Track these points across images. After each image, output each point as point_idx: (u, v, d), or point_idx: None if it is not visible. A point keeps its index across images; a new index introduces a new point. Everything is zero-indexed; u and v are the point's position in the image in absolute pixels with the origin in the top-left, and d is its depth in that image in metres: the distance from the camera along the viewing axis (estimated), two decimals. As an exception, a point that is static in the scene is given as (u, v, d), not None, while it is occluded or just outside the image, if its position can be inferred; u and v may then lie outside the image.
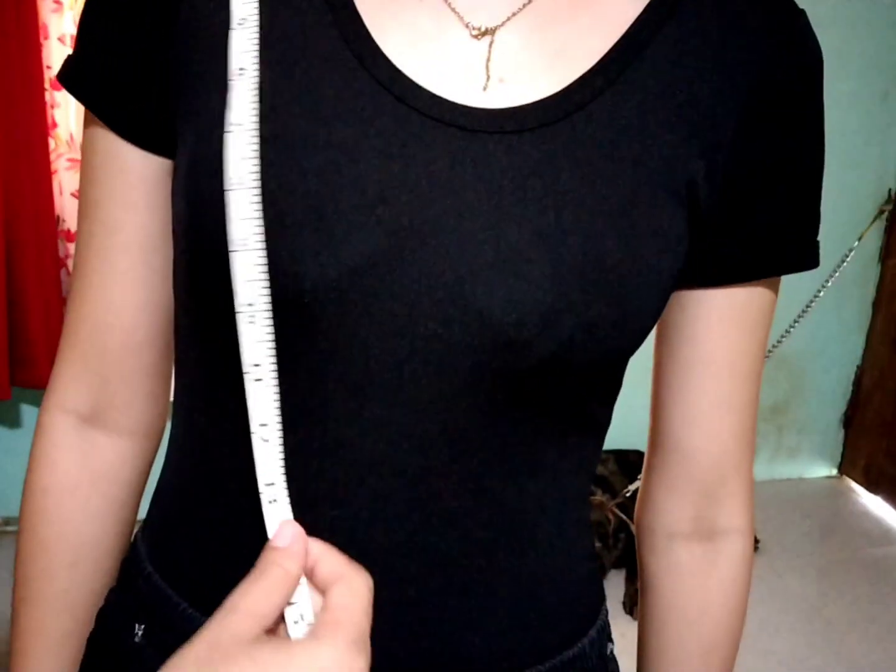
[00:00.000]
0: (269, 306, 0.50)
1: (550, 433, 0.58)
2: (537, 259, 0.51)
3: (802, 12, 0.58)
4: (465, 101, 0.53)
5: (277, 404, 0.50)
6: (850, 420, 3.54)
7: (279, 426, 0.50)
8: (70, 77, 0.59)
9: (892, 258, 3.34)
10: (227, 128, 0.51)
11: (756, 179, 0.58)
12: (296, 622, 0.46)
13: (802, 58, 0.57)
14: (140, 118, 0.57)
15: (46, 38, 2.32)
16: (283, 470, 0.50)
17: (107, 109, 0.57)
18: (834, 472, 3.62)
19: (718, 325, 0.62)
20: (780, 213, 0.59)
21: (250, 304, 0.50)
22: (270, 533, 0.49)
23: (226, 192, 0.50)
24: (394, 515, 0.55)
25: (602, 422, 0.63)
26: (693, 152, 0.55)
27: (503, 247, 0.51)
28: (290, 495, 0.50)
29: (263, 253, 0.50)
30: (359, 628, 0.45)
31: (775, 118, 0.57)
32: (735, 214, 0.58)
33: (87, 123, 0.60)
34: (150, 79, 0.56)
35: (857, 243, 3.20)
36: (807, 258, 0.61)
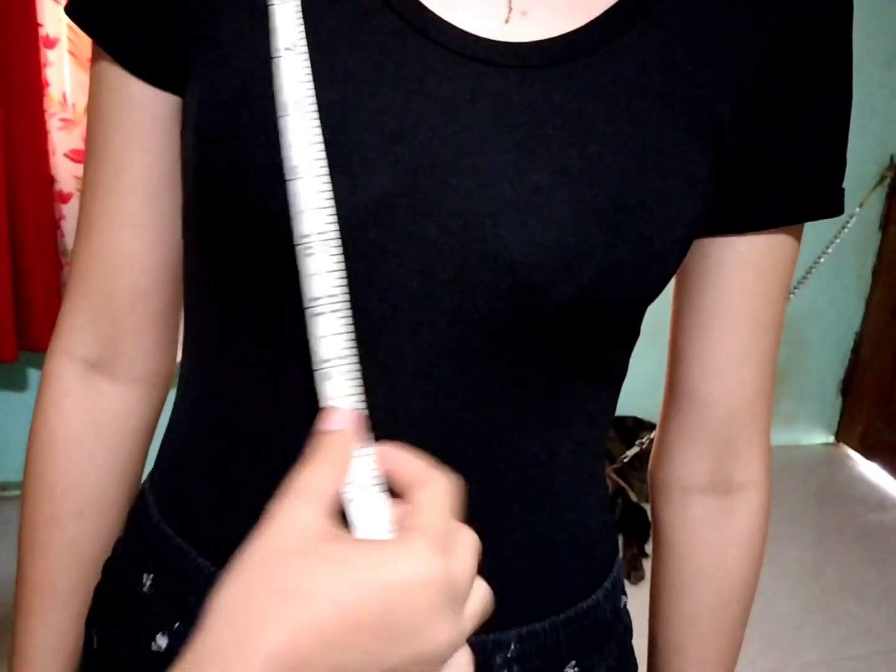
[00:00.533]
0: (337, 234, 0.46)
1: (567, 380, 0.57)
2: (559, 198, 0.50)
3: None
4: (486, 34, 0.51)
5: (352, 336, 0.46)
6: (848, 387, 3.54)
7: (355, 358, 0.46)
8: (77, 9, 0.57)
9: (892, 225, 3.33)
10: (277, 53, 0.47)
11: (781, 122, 0.56)
12: (363, 521, 0.44)
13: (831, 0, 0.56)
14: (150, 51, 0.55)
15: (40, -6, 2.28)
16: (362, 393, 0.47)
17: (115, 42, 0.55)
18: (831, 439, 3.63)
19: (740, 273, 0.61)
20: (805, 158, 0.58)
21: (307, 235, 0.45)
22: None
23: (280, 119, 0.46)
24: None
25: (619, 370, 0.62)
26: (719, 92, 0.53)
27: (524, 185, 0.49)
28: (293, 454, 0.47)
29: (328, 178, 0.46)
30: (441, 533, 0.42)
31: (803, 60, 0.55)
32: (758, 158, 0.56)
33: (94, 59, 0.58)
34: (160, 10, 0.54)
35: (858, 210, 3.18)
36: (831, 205, 0.60)
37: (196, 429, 0.61)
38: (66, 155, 2.40)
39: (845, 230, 3.11)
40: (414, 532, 0.41)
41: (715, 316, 0.62)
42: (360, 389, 0.46)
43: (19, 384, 2.66)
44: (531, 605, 0.60)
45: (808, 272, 3.02)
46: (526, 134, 0.50)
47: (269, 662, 0.37)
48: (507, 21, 0.52)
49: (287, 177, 0.46)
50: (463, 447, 0.55)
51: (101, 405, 0.63)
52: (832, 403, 3.58)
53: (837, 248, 3.08)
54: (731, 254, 0.60)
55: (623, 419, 2.96)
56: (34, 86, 2.29)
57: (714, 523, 0.68)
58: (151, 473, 0.66)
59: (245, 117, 0.49)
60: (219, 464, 0.59)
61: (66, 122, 2.38)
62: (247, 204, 0.50)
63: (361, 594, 0.39)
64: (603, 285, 0.51)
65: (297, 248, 0.45)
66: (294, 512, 0.41)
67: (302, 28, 0.48)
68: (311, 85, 0.47)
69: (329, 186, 0.46)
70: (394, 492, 0.45)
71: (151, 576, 0.61)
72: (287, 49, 0.48)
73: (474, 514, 0.56)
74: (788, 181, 0.58)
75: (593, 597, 0.63)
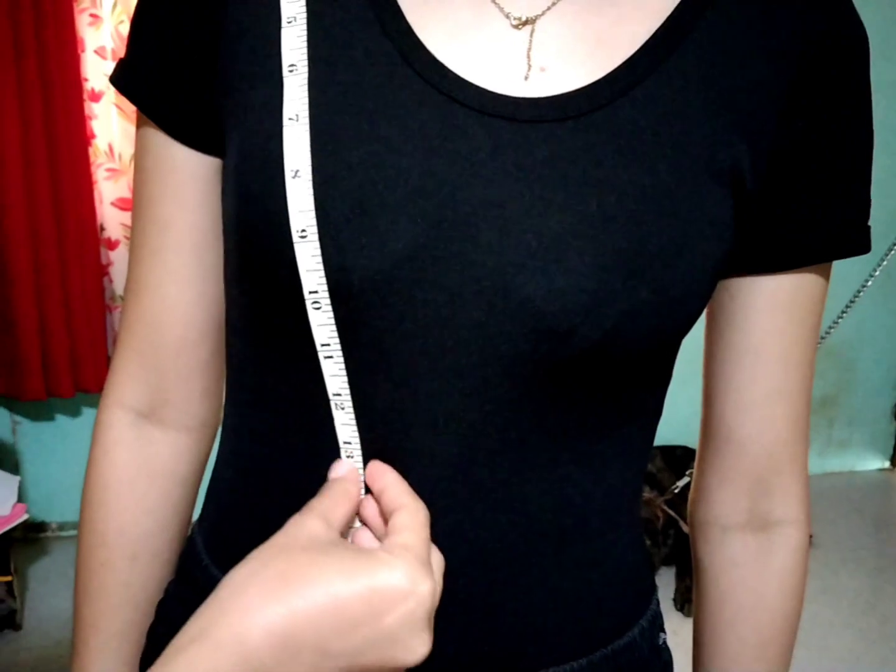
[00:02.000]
0: (328, 293, 0.52)
1: (597, 422, 0.58)
2: (579, 247, 0.51)
3: None
4: (506, 92, 0.53)
5: (346, 377, 0.54)
6: (902, 411, 3.48)
7: (349, 395, 0.54)
8: (122, 79, 0.60)
9: (941, 246, 3.27)
10: (284, 123, 0.52)
11: (802, 165, 0.57)
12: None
13: (846, 39, 0.57)
14: (190, 118, 0.58)
15: (83, 50, 2.37)
16: (356, 431, 0.54)
17: (158, 110, 0.59)
18: (886, 464, 3.56)
19: (768, 312, 0.61)
20: (828, 198, 0.59)
21: (313, 292, 0.52)
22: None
23: (286, 185, 0.51)
24: (440, 506, 0.55)
25: (651, 410, 0.62)
26: (736, 138, 0.55)
27: (545, 235, 0.51)
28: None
29: (319, 244, 0.51)
30: (425, 553, 0.48)
31: (820, 102, 0.56)
32: (782, 200, 0.57)
33: (139, 125, 0.61)
34: (199, 79, 0.57)
35: (903, 232, 3.13)
36: (857, 243, 0.60)
37: (239, 474, 0.63)
38: (112, 203, 2.48)
39: (892, 252, 3.06)
40: (406, 549, 0.47)
41: (745, 354, 0.63)
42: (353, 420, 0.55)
43: (75, 423, 2.73)
44: (566, 644, 0.61)
45: (855, 295, 2.98)
46: (546, 185, 0.52)
47: (265, 631, 0.43)
48: (526, 78, 0.54)
49: (292, 238, 0.52)
50: (496, 490, 0.56)
51: (151, 452, 0.66)
52: (886, 428, 3.52)
53: (885, 270, 3.04)
54: (759, 293, 0.61)
55: (673, 449, 2.94)
56: (79, 138, 2.38)
57: (753, 561, 0.68)
58: (200, 518, 0.68)
59: (273, 179, 0.52)
60: (262, 507, 0.61)
61: (113, 172, 2.46)
62: (279, 259, 0.53)
63: (357, 592, 0.45)
64: (625, 330, 0.52)
65: (305, 301, 0.52)
66: (303, 521, 0.49)
67: (306, 99, 0.52)
68: (309, 154, 0.51)
69: (318, 251, 0.51)
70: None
71: None
72: (290, 119, 0.52)
73: (507, 555, 0.57)
74: (813, 221, 0.59)
75: (629, 634, 0.63)
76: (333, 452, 0.55)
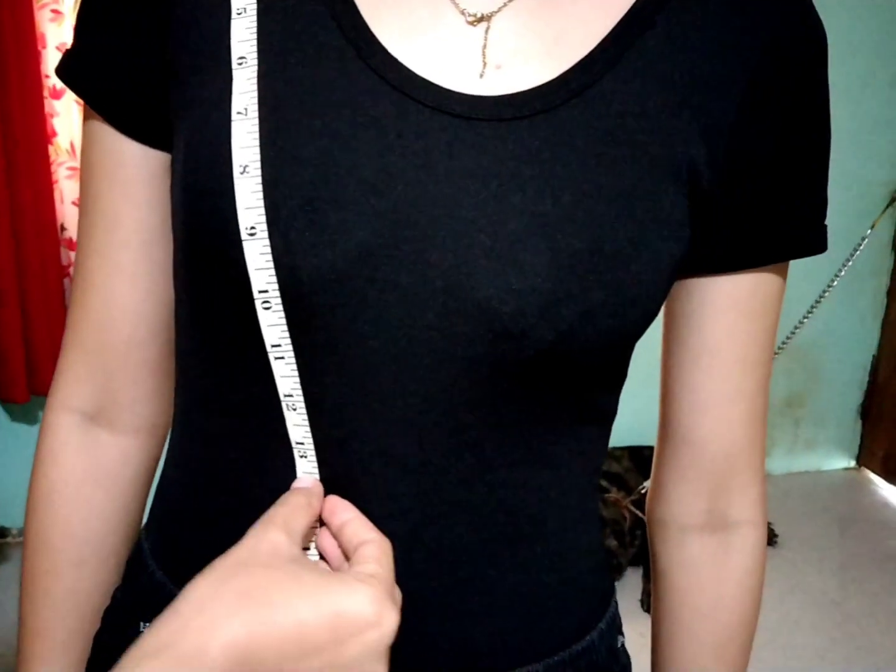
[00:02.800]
0: (278, 292, 0.51)
1: (553, 423, 0.57)
2: (535, 247, 0.50)
3: None
4: (461, 89, 0.52)
5: (297, 378, 0.53)
6: (867, 410, 3.51)
7: (301, 396, 0.53)
8: (68, 71, 0.59)
9: (905, 247, 3.31)
10: (233, 117, 0.51)
11: (759, 163, 0.57)
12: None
13: (806, 39, 0.56)
14: (138, 111, 0.57)
15: (44, 46, 2.33)
16: (309, 431, 0.54)
17: (105, 103, 0.57)
18: (852, 463, 3.59)
19: (725, 312, 0.61)
20: (785, 197, 0.58)
21: (263, 291, 0.51)
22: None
23: (234, 181, 0.50)
24: (396, 509, 0.55)
25: (607, 410, 0.62)
26: (694, 136, 0.54)
27: (500, 235, 0.50)
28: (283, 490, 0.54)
29: (268, 241, 0.50)
30: (392, 586, 0.47)
31: (778, 101, 0.56)
32: (738, 199, 0.57)
33: (85, 118, 0.60)
34: (147, 72, 0.56)
35: (869, 231, 3.17)
36: (814, 243, 0.60)
37: (187, 477, 0.62)
38: (74, 203, 2.44)
39: (858, 252, 3.09)
40: (375, 578, 0.46)
41: (702, 355, 0.63)
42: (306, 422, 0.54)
43: (32, 427, 2.69)
44: (523, 648, 0.60)
45: (821, 296, 3.00)
46: (501, 184, 0.51)
47: (225, 649, 0.42)
48: (481, 76, 0.53)
49: (241, 236, 0.50)
50: (451, 491, 0.55)
51: (98, 455, 0.64)
52: (852, 427, 3.55)
53: (850, 270, 3.07)
54: (716, 293, 0.61)
55: (640, 449, 2.95)
56: (38, 136, 2.33)
57: (711, 562, 0.68)
58: (147, 522, 0.66)
59: (222, 175, 0.51)
60: (211, 512, 0.60)
61: (75, 171, 2.42)
62: (226, 257, 0.52)
63: (322, 616, 0.43)
64: (580, 330, 0.51)
65: (255, 301, 0.51)
66: (263, 534, 0.47)
67: (255, 93, 0.51)
68: (258, 149, 0.50)
69: (268, 249, 0.50)
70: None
71: (148, 624, 0.62)
72: (238, 113, 0.51)
73: (464, 556, 0.57)
74: (770, 221, 0.58)
75: (588, 638, 0.63)
76: (285, 454, 0.55)
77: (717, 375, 0.63)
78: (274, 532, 0.47)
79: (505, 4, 0.54)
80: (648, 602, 2.50)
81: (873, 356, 3.47)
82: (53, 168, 2.40)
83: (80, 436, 0.64)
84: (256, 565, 0.45)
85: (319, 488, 0.53)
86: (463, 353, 0.52)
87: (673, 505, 0.68)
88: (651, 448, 2.45)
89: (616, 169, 0.52)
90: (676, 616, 0.69)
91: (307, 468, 0.54)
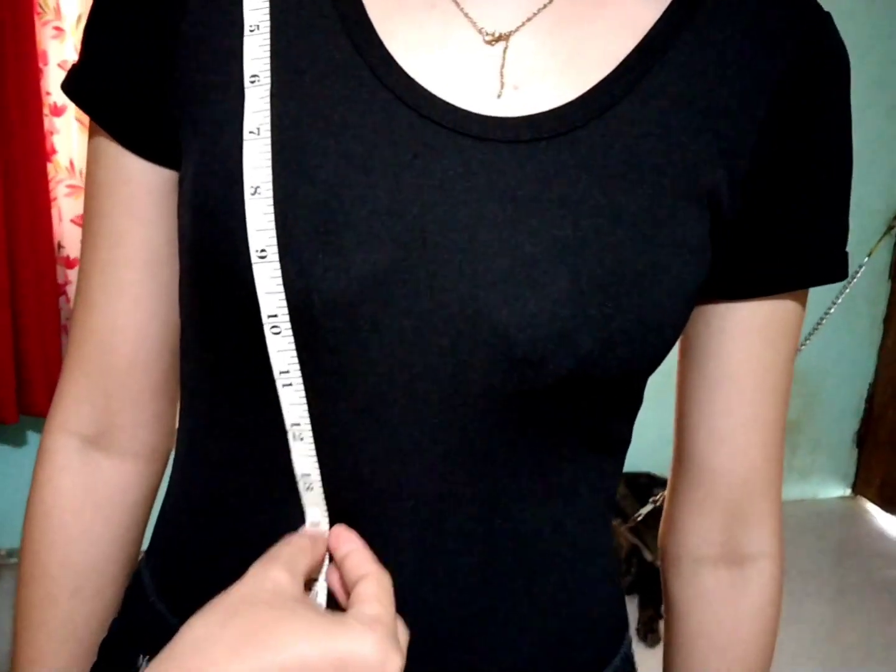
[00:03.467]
0: (288, 317, 0.49)
1: (568, 453, 0.55)
2: (554, 272, 0.49)
3: (828, 15, 0.56)
4: (478, 110, 0.51)
5: (306, 406, 0.50)
6: (864, 438, 3.50)
7: (309, 425, 0.51)
8: (74, 86, 0.57)
9: (902, 274, 3.32)
10: (245, 136, 0.50)
11: (780, 188, 0.55)
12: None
13: (828, 62, 0.55)
14: (145, 128, 0.56)
15: (46, 63, 2.32)
16: (316, 462, 0.51)
17: (111, 119, 0.56)
18: (848, 491, 3.57)
19: (744, 338, 0.60)
20: (806, 223, 0.57)
21: (272, 315, 0.49)
22: (308, 515, 0.52)
23: (245, 202, 0.49)
24: (406, 540, 0.53)
25: (622, 439, 0.60)
26: (715, 160, 0.53)
27: (518, 259, 0.49)
28: (292, 521, 0.52)
29: (279, 264, 0.49)
30: (395, 627, 0.46)
31: (800, 125, 0.55)
32: (759, 224, 0.56)
33: (91, 134, 0.59)
34: (155, 87, 0.54)
35: (866, 259, 3.16)
36: (834, 270, 0.59)
37: (191, 506, 0.60)
38: (73, 221, 2.43)
39: (855, 280, 3.07)
40: (378, 622, 0.44)
41: (720, 382, 0.61)
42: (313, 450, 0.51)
43: (20, 448, 2.66)
44: None
45: (818, 323, 2.99)
46: (519, 208, 0.49)
47: None
48: (499, 96, 0.52)
49: (251, 259, 0.49)
50: (463, 522, 0.54)
51: (98, 480, 0.62)
52: (848, 455, 3.54)
53: (848, 298, 3.05)
54: (734, 320, 0.59)
55: (637, 476, 2.93)
56: (38, 153, 2.32)
57: (726, 596, 0.66)
58: (148, 551, 0.64)
59: (232, 195, 0.50)
60: (213, 543, 0.58)
61: (74, 189, 2.41)
62: (235, 280, 0.50)
63: (326, 659, 0.42)
64: (600, 358, 0.50)
65: (263, 325, 0.49)
66: (267, 573, 0.46)
67: (268, 112, 0.50)
68: (270, 170, 0.49)
69: (279, 272, 0.49)
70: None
71: (147, 657, 0.60)
72: (251, 133, 0.50)
73: (475, 589, 0.55)
74: (790, 247, 0.57)
75: None
76: (290, 485, 0.52)
77: (736, 403, 0.61)
78: (276, 571, 0.46)
79: (523, 24, 0.53)
80: (644, 631, 2.48)
81: (870, 384, 3.46)
82: (52, 185, 2.39)
83: (78, 460, 0.62)
84: (259, 604, 0.43)
85: (324, 534, 0.52)
86: (479, 381, 0.50)
87: (687, 537, 0.67)
88: (646, 475, 2.43)
89: (636, 192, 0.51)
90: (690, 651, 0.67)
91: (313, 500, 0.52)
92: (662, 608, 2.25)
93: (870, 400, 3.47)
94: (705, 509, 0.65)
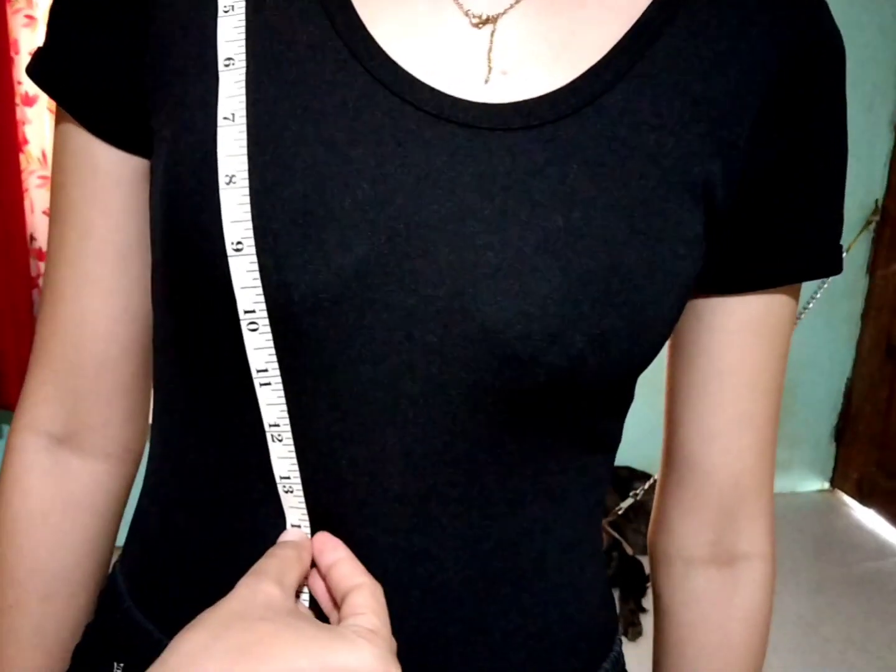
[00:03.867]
0: (266, 313, 0.47)
1: (559, 453, 0.54)
2: (545, 266, 0.47)
3: (823, 3, 0.55)
4: (465, 95, 0.49)
5: (285, 406, 0.49)
6: (842, 433, 3.51)
7: (288, 426, 0.49)
8: (39, 70, 0.54)
9: (880, 269, 3.33)
10: (219, 122, 0.47)
11: (776, 181, 0.54)
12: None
13: (824, 50, 0.54)
14: (114, 114, 0.53)
15: (17, 53, 2.28)
16: (296, 464, 0.50)
17: (78, 105, 0.53)
18: (826, 485, 3.59)
19: (736, 334, 0.58)
20: (802, 217, 0.56)
21: (249, 311, 0.47)
22: (289, 520, 0.50)
23: (220, 192, 0.46)
24: (390, 544, 0.51)
25: (613, 438, 0.59)
26: (709, 150, 0.51)
27: (507, 252, 0.47)
28: (273, 525, 0.51)
29: (256, 257, 0.46)
30: (390, 639, 0.45)
31: (796, 114, 0.53)
32: (753, 217, 0.54)
33: (58, 121, 0.56)
34: (124, 72, 0.52)
35: (844, 255, 3.17)
36: (829, 264, 0.57)
37: (165, 508, 0.57)
38: (45, 212, 2.39)
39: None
40: (376, 634, 0.43)
41: (712, 379, 0.59)
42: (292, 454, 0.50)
43: None
44: None
45: (797, 318, 3.00)
46: (508, 198, 0.47)
47: None
48: (486, 81, 0.50)
49: (226, 250, 0.47)
50: (450, 525, 0.52)
51: (67, 481, 0.60)
52: (826, 449, 3.55)
53: (826, 293, 3.07)
54: (727, 314, 0.58)
55: (617, 469, 2.92)
56: (9, 143, 2.28)
57: (717, 597, 0.64)
58: (122, 554, 0.62)
59: (207, 184, 0.47)
60: (189, 549, 0.55)
61: (46, 180, 2.37)
62: (210, 274, 0.48)
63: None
64: (593, 355, 0.48)
65: (240, 321, 0.47)
66: (257, 586, 0.44)
67: (243, 97, 0.48)
68: (245, 158, 0.47)
69: (256, 266, 0.46)
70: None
71: (122, 665, 0.57)
72: (225, 119, 0.48)
73: (463, 594, 0.53)
74: (784, 240, 0.55)
75: None
76: (268, 488, 0.50)
77: (727, 401, 0.60)
78: (268, 584, 0.44)
79: (511, 6, 0.50)
80: (625, 625, 2.47)
81: (848, 378, 3.48)
82: (24, 177, 2.34)
83: (47, 460, 0.59)
84: (252, 619, 0.42)
85: (308, 541, 0.50)
86: (466, 380, 0.48)
87: (677, 537, 0.65)
88: (627, 468, 2.43)
89: (629, 183, 0.49)
90: (680, 653, 0.66)
91: (293, 503, 0.50)
92: (643, 601, 2.25)
93: (847, 395, 3.49)
94: (696, 509, 0.63)
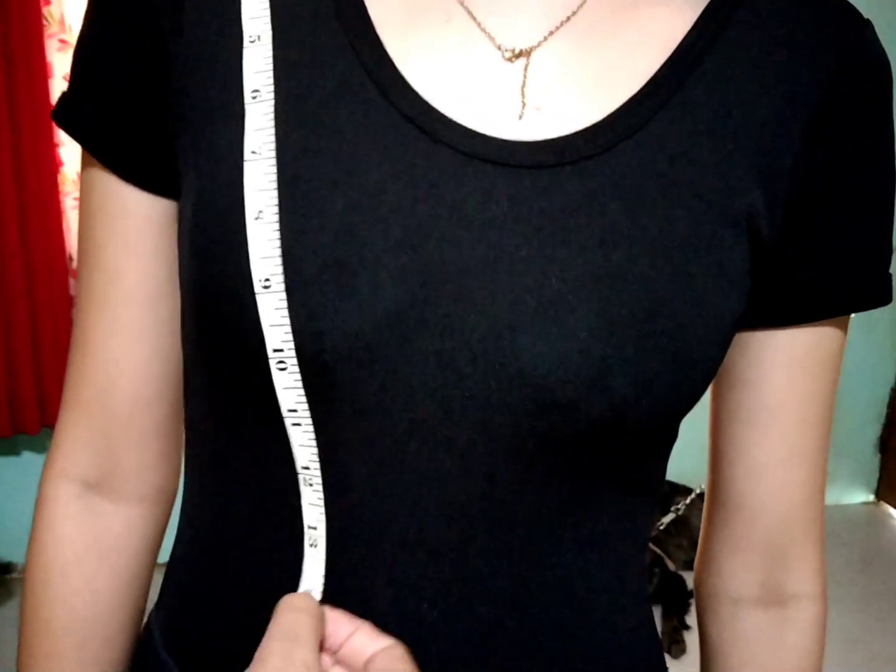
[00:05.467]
0: (294, 351, 0.46)
1: (602, 500, 0.52)
2: (585, 308, 0.46)
3: (868, 24, 0.53)
4: (499, 133, 0.48)
5: (316, 449, 0.47)
6: (886, 444, 3.45)
7: (318, 469, 0.48)
8: (65, 115, 0.54)
9: (923, 276, 3.26)
10: (246, 156, 0.46)
11: (821, 209, 0.52)
12: None
13: (870, 75, 0.52)
14: (141, 157, 0.52)
15: (52, 76, 2.31)
16: (323, 514, 0.48)
17: (105, 149, 0.53)
18: (871, 497, 3.53)
19: (784, 369, 0.56)
20: (849, 248, 0.54)
21: (278, 350, 0.46)
22: (305, 577, 0.48)
23: (247, 227, 0.45)
24: (428, 597, 0.49)
25: (657, 478, 0.57)
26: (751, 181, 0.49)
27: (546, 294, 0.45)
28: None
29: (285, 295, 0.45)
30: None
31: (841, 142, 0.51)
32: (799, 248, 0.52)
33: (84, 164, 0.55)
34: (150, 114, 0.51)
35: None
36: (878, 294, 0.55)
37: (198, 555, 0.56)
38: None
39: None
40: None
41: (758, 414, 0.57)
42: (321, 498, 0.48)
43: (41, 460, 2.65)
44: None
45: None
46: (545, 238, 0.46)
47: None
48: (520, 117, 0.48)
49: (254, 289, 0.45)
50: (489, 577, 0.50)
51: (101, 527, 0.59)
52: (870, 460, 3.49)
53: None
54: (773, 348, 0.56)
55: (656, 483, 2.88)
56: (48, 166, 2.31)
57: (766, 639, 0.62)
58: (157, 604, 0.61)
59: (235, 219, 0.46)
60: (223, 599, 0.54)
61: (81, 201, 2.39)
62: (238, 312, 0.47)
63: None
64: (635, 400, 0.46)
65: (269, 360, 0.46)
66: (293, 655, 0.42)
67: (271, 130, 0.47)
68: (275, 192, 0.46)
69: (284, 303, 0.45)
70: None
71: None
72: (253, 153, 0.47)
73: (502, 650, 0.51)
74: (832, 272, 0.53)
75: None
76: (301, 536, 0.49)
77: (775, 436, 0.58)
78: (302, 651, 0.42)
79: (545, 38, 0.49)
80: (668, 642, 2.43)
81: (891, 388, 3.42)
82: (61, 198, 2.37)
83: (80, 507, 0.58)
84: None
85: (317, 606, 0.46)
86: (505, 426, 0.46)
87: (724, 576, 0.63)
88: (669, 483, 2.39)
89: (670, 219, 0.47)
90: None
91: (313, 560, 0.48)
92: (686, 618, 2.20)
93: (891, 405, 3.42)
94: (743, 548, 0.61)
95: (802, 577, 0.61)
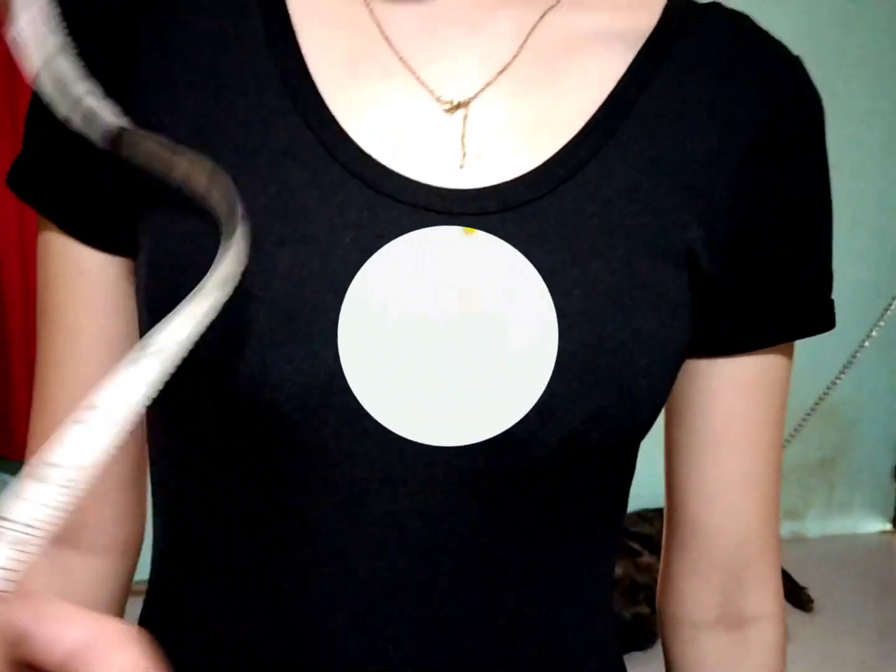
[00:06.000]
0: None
1: (562, 532, 0.54)
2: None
3: (797, 60, 0.55)
4: (440, 182, 0.50)
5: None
6: (903, 471, 3.42)
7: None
8: (18, 179, 0.55)
9: (936, 303, 3.25)
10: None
11: (760, 243, 0.54)
12: None
13: (802, 110, 0.54)
14: (95, 218, 0.53)
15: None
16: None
17: (60, 213, 0.54)
18: (888, 526, 3.48)
19: (731, 396, 0.58)
20: (789, 276, 0.56)
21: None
22: None
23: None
24: (396, 636, 0.51)
25: (617, 510, 0.58)
26: (690, 217, 0.52)
27: None
28: (279, 615, 0.50)
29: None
30: None
31: (776, 175, 0.54)
32: (740, 279, 0.55)
33: (40, 227, 0.56)
34: (102, 176, 0.52)
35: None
36: (821, 320, 0.57)
37: (164, 625, 0.57)
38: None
39: (889, 311, 3.03)
40: None
41: (709, 441, 0.59)
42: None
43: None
44: None
45: (853, 355, 2.93)
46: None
47: None
48: (461, 167, 0.50)
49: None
50: (456, 615, 0.51)
51: (69, 580, 0.59)
52: (887, 489, 3.45)
53: (882, 330, 3.01)
54: (719, 376, 0.58)
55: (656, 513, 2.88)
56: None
57: (727, 661, 0.63)
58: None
59: (185, 286, 0.48)
60: (203, 647, 0.55)
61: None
62: (194, 367, 0.48)
63: None
64: (584, 434, 0.48)
65: None
66: None
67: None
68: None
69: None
70: None
71: None
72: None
73: None
74: (774, 300, 0.56)
75: None
76: (273, 564, 0.51)
77: (726, 462, 0.59)
78: None
79: (482, 89, 0.51)
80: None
81: (907, 415, 3.39)
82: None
83: (45, 562, 0.58)
84: None
85: None
86: (461, 465, 0.48)
87: (684, 600, 0.64)
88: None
89: (611, 259, 0.49)
90: None
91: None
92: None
93: (908, 432, 3.39)
94: (701, 572, 0.63)
95: (760, 598, 0.63)
